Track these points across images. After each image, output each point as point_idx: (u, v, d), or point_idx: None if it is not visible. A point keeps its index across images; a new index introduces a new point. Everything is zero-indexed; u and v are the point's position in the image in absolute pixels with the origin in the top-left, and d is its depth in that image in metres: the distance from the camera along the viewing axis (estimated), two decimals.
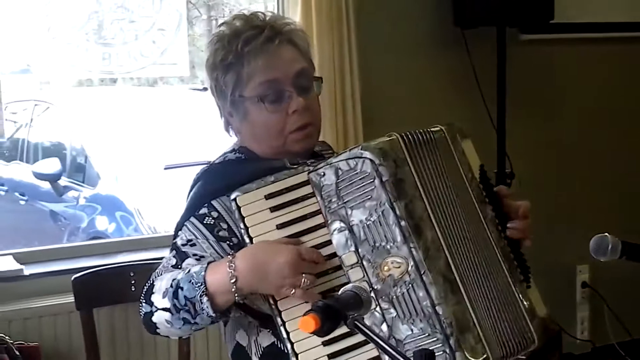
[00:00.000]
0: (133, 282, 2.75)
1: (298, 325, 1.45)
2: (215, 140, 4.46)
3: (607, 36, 4.23)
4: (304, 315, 1.43)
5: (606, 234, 1.99)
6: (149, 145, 4.87)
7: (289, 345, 1.74)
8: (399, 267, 1.69)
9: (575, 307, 4.34)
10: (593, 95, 4.29)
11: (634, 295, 4.30)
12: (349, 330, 1.54)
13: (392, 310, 1.69)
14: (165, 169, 4.26)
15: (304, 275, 1.70)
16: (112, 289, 2.77)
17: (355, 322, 1.47)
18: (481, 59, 3.81)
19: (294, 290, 1.70)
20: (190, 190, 1.92)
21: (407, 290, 1.68)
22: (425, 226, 1.73)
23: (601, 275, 4.27)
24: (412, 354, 1.40)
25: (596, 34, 4.20)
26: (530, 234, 1.94)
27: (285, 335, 1.74)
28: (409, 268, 1.68)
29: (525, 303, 1.85)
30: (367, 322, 1.68)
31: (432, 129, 1.88)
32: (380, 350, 1.58)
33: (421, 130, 1.84)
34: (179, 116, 5.19)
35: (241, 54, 1.86)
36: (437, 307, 1.68)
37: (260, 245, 1.76)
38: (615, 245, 1.97)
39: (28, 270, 3.18)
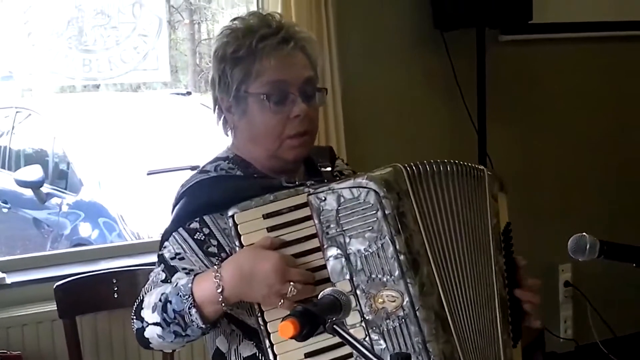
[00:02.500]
0: (116, 288, 2.75)
1: (277, 331, 1.44)
2: (198, 145, 4.48)
3: (586, 36, 4.25)
4: (283, 320, 1.42)
5: (584, 233, 2.00)
6: (131, 150, 4.85)
7: None
8: (394, 301, 1.69)
9: (558, 306, 4.36)
10: (573, 95, 4.31)
11: (616, 294, 4.33)
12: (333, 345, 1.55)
13: (382, 342, 1.69)
14: (148, 174, 4.26)
15: (291, 283, 1.69)
16: (94, 296, 2.76)
17: (334, 326, 1.47)
18: (461, 60, 3.83)
19: (281, 301, 1.70)
20: (179, 199, 1.90)
21: (400, 325, 1.69)
22: (422, 261, 1.73)
23: (583, 274, 4.29)
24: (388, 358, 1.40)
25: (575, 34, 4.22)
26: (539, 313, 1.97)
27: (272, 358, 1.73)
28: (404, 303, 1.69)
29: (506, 356, 1.85)
30: (355, 352, 1.68)
31: (474, 166, 1.90)
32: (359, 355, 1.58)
33: (442, 161, 1.83)
34: (161, 121, 5.18)
35: (255, 49, 1.86)
36: (427, 344, 1.68)
37: (246, 252, 1.74)
38: (594, 245, 1.98)
39: (10, 279, 3.17)
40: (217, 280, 1.71)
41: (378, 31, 3.80)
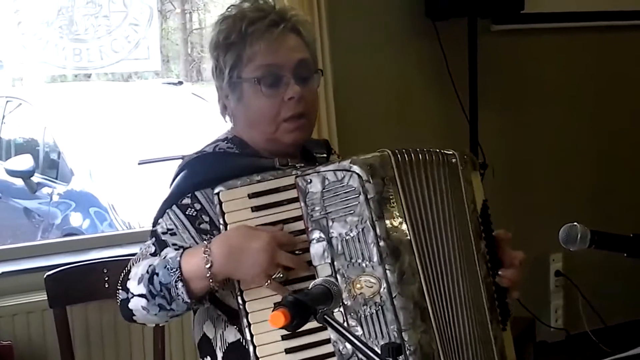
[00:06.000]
0: (106, 278, 2.73)
1: (268, 320, 1.43)
2: (190, 135, 4.47)
3: (578, 25, 4.25)
4: (274, 310, 1.42)
5: (575, 223, 2.00)
6: (122, 140, 4.84)
7: (251, 348, 1.73)
8: (372, 287, 1.68)
9: (549, 295, 4.38)
10: (565, 85, 4.31)
11: (607, 283, 4.34)
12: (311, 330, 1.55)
13: (358, 328, 1.68)
14: (139, 164, 4.25)
15: (280, 266, 1.69)
16: (85, 286, 2.75)
17: (325, 316, 1.46)
18: (453, 50, 3.82)
19: (268, 282, 1.70)
20: (176, 177, 1.90)
21: (377, 312, 1.68)
22: (404, 249, 1.71)
23: (574, 264, 4.30)
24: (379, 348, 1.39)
25: (567, 24, 4.23)
26: (519, 286, 1.95)
27: (249, 337, 1.73)
28: (382, 289, 1.67)
29: (497, 344, 1.84)
30: (332, 336, 1.69)
31: (445, 152, 1.87)
32: (350, 345, 1.58)
33: (426, 150, 1.82)
34: (152, 111, 5.17)
35: (244, 34, 1.85)
36: (403, 333, 1.67)
37: (238, 230, 1.74)
38: (585, 235, 1.98)
39: (0, 268, 3.16)
40: (206, 256, 1.70)
41: (370, 20, 3.80)
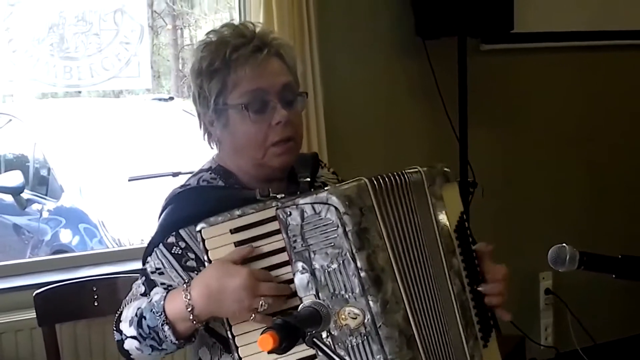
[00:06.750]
0: (96, 297, 2.73)
1: (257, 343, 1.43)
2: (180, 151, 4.46)
3: (566, 45, 4.28)
4: (262, 333, 1.41)
5: (564, 244, 2.00)
6: (112, 156, 4.84)
7: None
8: (356, 319, 1.68)
9: (538, 313, 4.38)
10: (554, 104, 4.33)
11: (596, 301, 4.35)
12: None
13: (347, 358, 1.67)
14: (129, 180, 4.25)
15: (262, 297, 1.69)
16: (74, 304, 2.74)
17: (314, 339, 1.46)
18: (443, 68, 3.83)
19: (253, 315, 1.70)
20: (161, 213, 1.91)
21: (362, 342, 1.67)
22: (387, 278, 1.70)
23: (564, 282, 4.31)
24: None
25: (556, 43, 4.25)
26: (504, 301, 1.93)
27: None
28: (366, 320, 1.67)
29: None
30: None
31: (409, 171, 1.85)
32: None
33: (396, 173, 1.81)
34: (143, 127, 5.17)
35: (228, 60, 1.85)
36: None
37: (213, 269, 1.74)
38: (574, 256, 1.99)
39: None
40: (187, 300, 1.72)
41: (360, 39, 3.81)
